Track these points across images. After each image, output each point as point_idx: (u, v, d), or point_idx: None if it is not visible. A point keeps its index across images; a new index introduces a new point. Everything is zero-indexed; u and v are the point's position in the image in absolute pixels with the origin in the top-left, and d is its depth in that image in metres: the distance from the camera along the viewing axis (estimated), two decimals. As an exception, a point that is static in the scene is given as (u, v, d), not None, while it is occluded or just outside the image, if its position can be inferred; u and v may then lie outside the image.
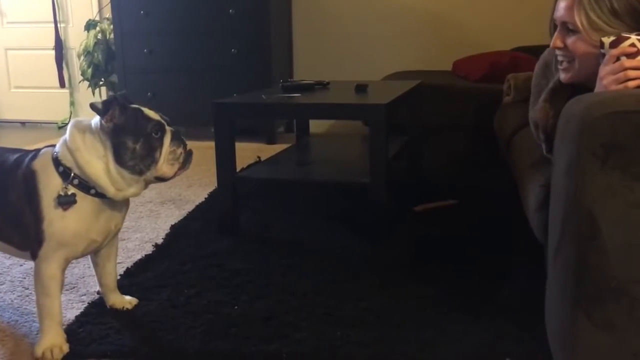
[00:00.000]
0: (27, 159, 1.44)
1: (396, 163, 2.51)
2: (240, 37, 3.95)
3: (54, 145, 1.45)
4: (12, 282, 1.87)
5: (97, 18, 4.54)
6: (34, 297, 1.47)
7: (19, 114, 4.93)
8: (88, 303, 1.71)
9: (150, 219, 2.48)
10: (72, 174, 1.39)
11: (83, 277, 1.89)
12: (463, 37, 4.04)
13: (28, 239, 1.42)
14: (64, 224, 1.39)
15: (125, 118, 1.40)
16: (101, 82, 4.45)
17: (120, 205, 1.50)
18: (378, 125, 2.07)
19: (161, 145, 1.42)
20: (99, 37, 4.34)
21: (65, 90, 4.76)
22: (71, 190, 1.39)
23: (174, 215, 2.52)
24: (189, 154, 1.48)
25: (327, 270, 1.92)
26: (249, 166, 2.80)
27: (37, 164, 1.42)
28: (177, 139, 1.46)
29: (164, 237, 2.24)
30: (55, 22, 4.64)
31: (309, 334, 1.51)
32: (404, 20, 4.17)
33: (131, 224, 2.40)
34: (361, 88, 2.50)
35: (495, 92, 2.78)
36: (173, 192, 2.84)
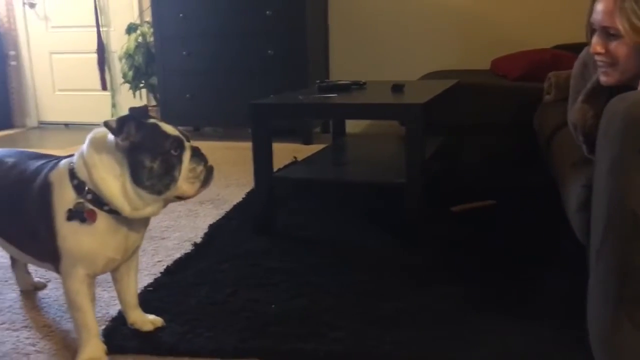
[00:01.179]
0: (46, 169, 1.39)
1: (433, 163, 2.49)
2: (277, 38, 3.98)
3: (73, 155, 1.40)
4: (58, 279, 1.92)
5: (138, 21, 4.64)
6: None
7: (63, 116, 5.07)
8: (129, 300, 1.74)
9: (189, 219, 2.52)
10: (87, 188, 1.33)
11: (124, 275, 1.93)
12: (502, 35, 3.98)
13: (46, 251, 1.39)
14: (77, 240, 1.34)
15: (142, 135, 1.31)
16: (141, 84, 4.55)
17: (138, 222, 1.42)
18: (414, 125, 2.06)
19: (180, 163, 1.34)
20: (139, 40, 4.44)
21: (107, 93, 4.88)
22: (85, 205, 1.33)
23: (212, 214, 2.55)
24: (209, 171, 1.39)
25: (363, 270, 1.92)
26: (286, 166, 2.82)
27: (54, 176, 1.37)
28: (197, 155, 1.37)
29: (202, 236, 2.28)
30: (98, 26, 4.76)
31: (345, 334, 1.52)
32: (441, 19, 4.13)
33: (170, 223, 2.45)
34: (398, 88, 2.49)
35: (535, 91, 2.74)
36: (211, 192, 2.88)
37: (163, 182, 1.33)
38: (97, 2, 4.74)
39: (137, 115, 1.34)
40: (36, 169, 1.41)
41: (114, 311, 1.67)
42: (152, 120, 1.36)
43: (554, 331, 1.49)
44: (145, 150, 1.31)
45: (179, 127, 1.40)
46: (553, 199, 1.94)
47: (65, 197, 1.34)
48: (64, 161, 1.39)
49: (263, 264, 1.99)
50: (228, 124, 4.34)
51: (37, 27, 5.04)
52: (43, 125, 5.20)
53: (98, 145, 1.34)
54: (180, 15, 4.13)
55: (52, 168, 1.39)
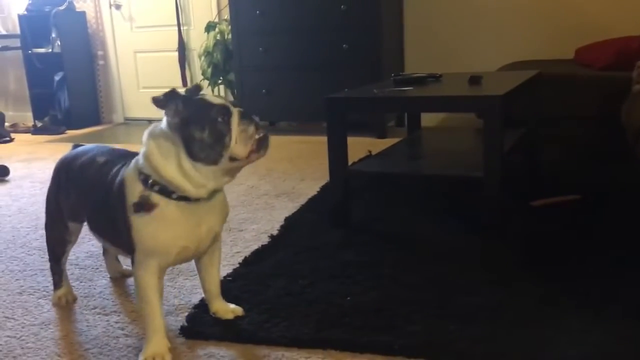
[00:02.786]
0: (123, 167, 1.44)
1: (513, 157, 2.42)
2: (351, 32, 3.99)
3: None
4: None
5: (216, 20, 4.77)
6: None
7: (147, 112, 5.30)
8: (210, 289, 1.81)
9: (265, 211, 2.57)
10: (151, 180, 1.36)
11: (205, 265, 2.00)
12: (586, 22, 3.80)
13: (126, 244, 1.43)
14: (149, 231, 1.38)
15: (189, 110, 1.33)
16: (220, 81, 4.67)
17: (210, 208, 1.43)
18: (492, 117, 2.01)
19: (229, 128, 1.34)
20: (217, 37, 4.56)
21: (188, 89, 5.05)
22: (153, 196, 1.36)
23: (288, 207, 2.60)
24: (264, 138, 1.37)
25: (439, 264, 1.90)
26: (360, 160, 2.83)
27: (127, 173, 1.42)
28: (246, 117, 1.36)
29: (278, 228, 2.32)
30: (179, 25, 4.93)
31: (421, 327, 1.51)
32: (520, 6, 3.99)
33: (248, 216, 2.51)
34: (475, 80, 2.43)
35: (623, 81, 2.61)
36: (287, 185, 2.93)
37: (216, 150, 1.33)
38: (178, 2, 4.91)
39: (189, 93, 1.36)
40: (119, 167, 1.46)
41: (195, 299, 1.74)
42: (198, 96, 1.37)
43: (636, 332, 1.43)
44: (194, 122, 1.33)
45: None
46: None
47: (134, 192, 1.38)
48: (134, 160, 1.44)
49: (338, 256, 2.00)
50: (303, 118, 4.39)
51: (122, 28, 5.28)
52: (128, 122, 5.45)
53: (154, 134, 1.38)
54: (257, 12, 4.21)
55: (127, 165, 1.44)
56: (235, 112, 1.35)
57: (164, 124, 1.37)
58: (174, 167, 1.34)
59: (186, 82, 4.98)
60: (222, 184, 1.41)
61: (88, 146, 1.70)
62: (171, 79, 5.04)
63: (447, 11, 4.19)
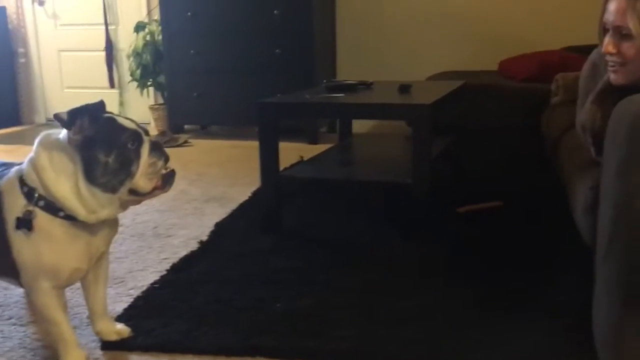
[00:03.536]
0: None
1: (440, 164, 2.49)
2: (284, 37, 3.99)
3: None
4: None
5: (146, 20, 4.65)
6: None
7: (71, 114, 5.08)
8: (135, 297, 1.75)
9: (195, 217, 2.53)
10: (37, 195, 1.24)
11: (131, 272, 1.94)
12: (509, 36, 3.97)
13: (5, 265, 1.30)
14: (33, 252, 1.26)
15: (96, 129, 1.23)
16: (149, 83, 4.56)
17: (101, 227, 1.33)
18: (421, 125, 2.06)
19: (138, 157, 1.26)
20: (147, 38, 4.45)
21: (115, 91, 4.90)
22: (38, 213, 1.24)
23: (219, 213, 2.56)
24: (170, 175, 1.31)
25: (370, 269, 1.92)
26: (292, 165, 2.83)
27: (5, 184, 1.28)
28: (157, 149, 1.28)
29: (208, 234, 2.28)
30: (106, 24, 4.78)
31: (351, 332, 1.52)
32: (449, 19, 4.12)
33: (177, 221, 2.46)
34: (405, 88, 2.49)
35: (543, 93, 2.73)
36: (218, 190, 2.89)
37: (118, 177, 1.24)
38: (105, 0, 4.76)
39: (93, 110, 1.27)
40: None
41: (119, 308, 1.68)
42: (108, 114, 1.29)
43: (559, 333, 1.49)
44: (100, 144, 1.23)
45: (137, 121, 1.35)
46: (560, 201, 1.94)
47: (15, 206, 1.25)
48: (15, 168, 1.31)
49: (269, 262, 1.99)
50: (235, 122, 4.35)
51: (46, 25, 5.06)
52: (51, 122, 5.23)
53: (48, 145, 1.26)
54: (189, 14, 4.14)
55: (3, 176, 1.30)
56: (146, 141, 1.28)
57: (62, 135, 1.26)
58: (67, 186, 1.24)
59: (113, 83, 4.83)
60: (114, 214, 1.31)
61: None
62: (98, 79, 4.87)
63: (378, 21, 4.27)
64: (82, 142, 1.23)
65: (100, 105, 1.30)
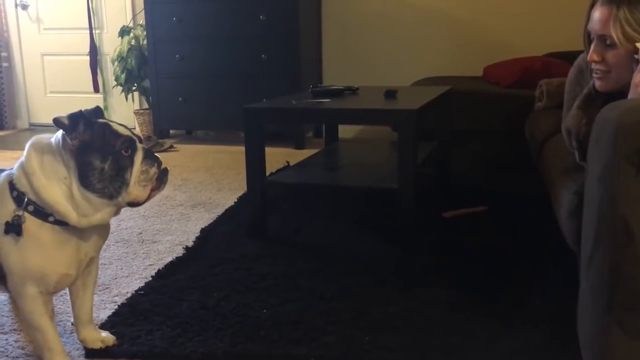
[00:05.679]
0: None
1: (425, 169, 2.50)
2: (270, 43, 3.99)
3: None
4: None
5: (131, 24, 4.63)
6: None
7: (55, 118, 5.04)
8: (120, 304, 1.73)
9: (180, 222, 2.51)
10: (26, 199, 1.23)
11: (116, 278, 1.92)
12: (494, 43, 4.01)
13: None
14: (22, 257, 1.25)
15: (91, 134, 1.24)
16: (134, 87, 4.54)
17: (90, 232, 1.32)
18: (407, 130, 2.07)
19: (132, 164, 1.26)
20: (132, 43, 4.43)
21: (99, 95, 4.86)
22: (27, 217, 1.23)
23: (204, 218, 2.55)
24: (164, 173, 1.31)
25: (355, 275, 1.92)
26: (278, 171, 2.82)
27: None
28: (149, 157, 1.29)
29: (194, 240, 2.27)
30: (91, 28, 4.74)
31: (337, 338, 1.52)
32: (434, 26, 4.15)
33: (162, 227, 2.44)
34: (390, 93, 2.50)
35: (526, 98, 2.75)
36: (203, 195, 2.88)
37: (114, 184, 1.25)
38: (90, 5, 4.73)
39: (89, 115, 1.28)
40: None
41: (104, 315, 1.66)
42: (102, 120, 1.29)
43: (544, 336, 1.50)
44: (95, 150, 1.23)
45: (129, 127, 1.34)
46: (544, 206, 1.95)
47: (4, 211, 1.24)
48: (4, 173, 1.30)
49: (255, 268, 1.98)
50: (220, 127, 4.34)
51: (29, 29, 5.02)
52: (34, 127, 5.17)
53: (39, 149, 1.25)
54: (174, 18, 4.12)
55: None
56: (140, 149, 1.28)
57: (54, 140, 1.26)
58: (60, 191, 1.23)
59: (98, 87, 4.79)
60: (107, 219, 1.31)
61: None
62: (82, 84, 4.84)
63: (365, 26, 4.28)
64: (77, 147, 1.23)
65: (97, 110, 1.32)
